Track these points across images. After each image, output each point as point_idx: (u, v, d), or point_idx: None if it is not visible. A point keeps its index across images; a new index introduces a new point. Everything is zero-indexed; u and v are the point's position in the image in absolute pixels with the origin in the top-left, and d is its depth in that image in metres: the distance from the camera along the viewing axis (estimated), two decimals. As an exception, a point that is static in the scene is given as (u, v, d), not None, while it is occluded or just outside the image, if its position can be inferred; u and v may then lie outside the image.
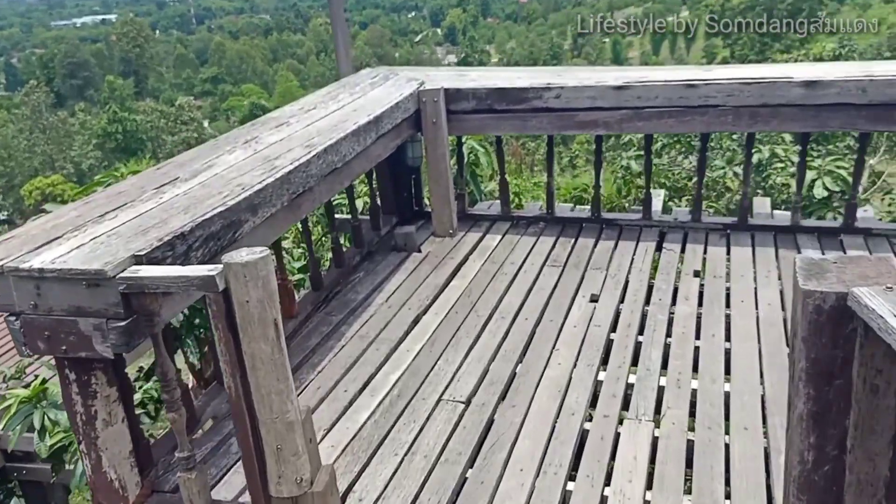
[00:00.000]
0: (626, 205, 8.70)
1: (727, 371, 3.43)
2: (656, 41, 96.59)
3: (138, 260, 2.37)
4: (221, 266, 2.19)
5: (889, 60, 8.17)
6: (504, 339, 3.76)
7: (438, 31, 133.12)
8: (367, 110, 4.23)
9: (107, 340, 2.33)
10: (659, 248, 4.77)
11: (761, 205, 5.07)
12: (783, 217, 4.87)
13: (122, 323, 2.31)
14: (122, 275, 2.28)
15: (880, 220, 5.42)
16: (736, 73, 4.40)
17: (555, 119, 4.61)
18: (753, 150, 4.79)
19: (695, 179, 9.90)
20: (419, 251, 4.85)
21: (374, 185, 5.03)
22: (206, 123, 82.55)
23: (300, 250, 6.69)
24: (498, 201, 5.43)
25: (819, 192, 7.46)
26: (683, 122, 4.39)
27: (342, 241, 4.91)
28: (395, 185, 5.26)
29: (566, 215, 5.16)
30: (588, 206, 5.37)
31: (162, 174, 3.22)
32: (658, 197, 5.31)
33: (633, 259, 4.56)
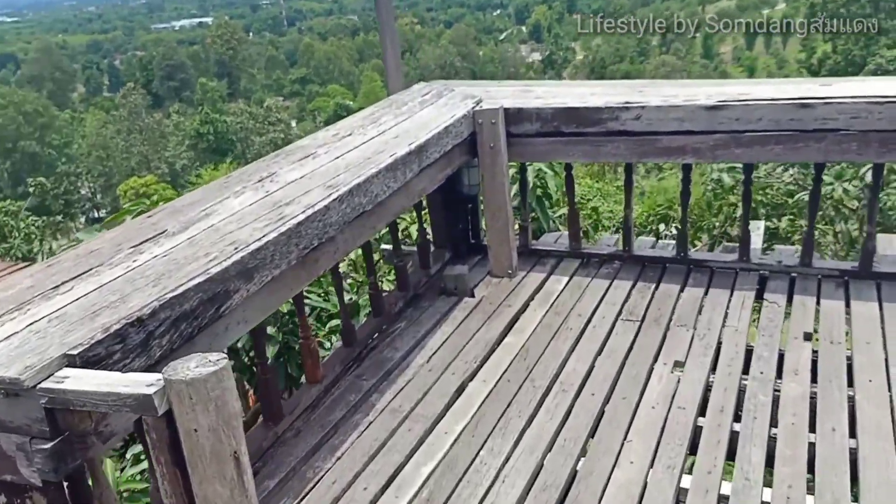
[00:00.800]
0: (717, 224, 7.79)
1: (853, 482, 2.64)
2: (749, 35, 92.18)
3: (71, 361, 1.84)
4: (162, 381, 1.63)
5: None
6: (564, 422, 3.08)
7: (523, 28, 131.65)
8: (411, 137, 3.63)
9: (32, 464, 1.82)
10: (759, 298, 3.96)
11: (888, 244, 4.17)
12: (918, 262, 3.96)
13: (48, 444, 1.79)
14: (43, 385, 1.76)
15: None
16: (862, 88, 3.55)
17: (634, 144, 3.88)
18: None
19: (798, 196, 8.88)
20: (472, 295, 4.21)
21: (422, 218, 4.43)
22: (293, 124, 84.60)
23: (352, 280, 6.16)
24: (567, 233, 4.73)
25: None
26: (794, 150, 3.58)
27: (384, 276, 4.34)
28: (448, 216, 4.64)
29: (646, 253, 4.40)
30: (672, 239, 4.60)
31: (150, 225, 2.71)
32: (758, 232, 4.48)
33: (726, 313, 3.77)
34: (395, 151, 3.41)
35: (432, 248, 4.63)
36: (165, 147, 65.33)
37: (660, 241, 4.71)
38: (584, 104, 3.92)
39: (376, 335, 3.90)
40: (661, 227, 8.42)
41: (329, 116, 71.51)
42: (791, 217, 7.88)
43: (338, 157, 3.39)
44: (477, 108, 4.09)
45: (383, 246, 5.17)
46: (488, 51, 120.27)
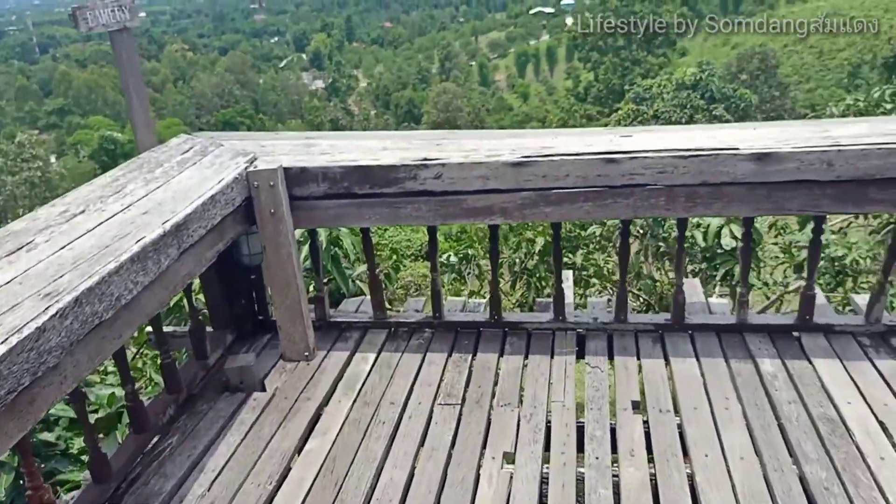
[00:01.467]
0: (518, 260, 7.69)
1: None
2: (521, 63, 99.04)
3: None
4: None
5: (845, 119, 7.61)
6: (385, 561, 2.51)
7: (304, 55, 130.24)
8: (166, 211, 2.88)
9: None
10: (580, 357, 3.70)
11: (692, 290, 4.14)
12: (723, 309, 3.93)
13: None
14: None
15: (839, 311, 4.63)
16: (664, 140, 3.41)
17: (436, 206, 3.44)
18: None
19: (590, 231, 9.13)
20: (262, 389, 3.51)
21: (192, 296, 3.64)
22: (52, 159, 76.05)
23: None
24: (369, 297, 4.18)
25: (727, 241, 6.76)
26: (603, 207, 3.34)
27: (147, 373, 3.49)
28: (227, 290, 3.90)
29: (457, 318, 3.98)
30: (484, 301, 4.25)
31: None
32: (568, 283, 4.25)
33: (550, 384, 3.43)
34: (144, 235, 2.64)
35: (209, 330, 3.86)
36: None
37: (470, 299, 4.33)
38: (377, 162, 3.41)
39: (139, 460, 3.06)
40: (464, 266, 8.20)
41: (94, 150, 65.20)
42: (586, 251, 8.01)
43: (64, 248, 2.55)
44: (251, 168, 3.42)
45: (149, 328, 4.28)
46: (269, 78, 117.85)
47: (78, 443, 3.92)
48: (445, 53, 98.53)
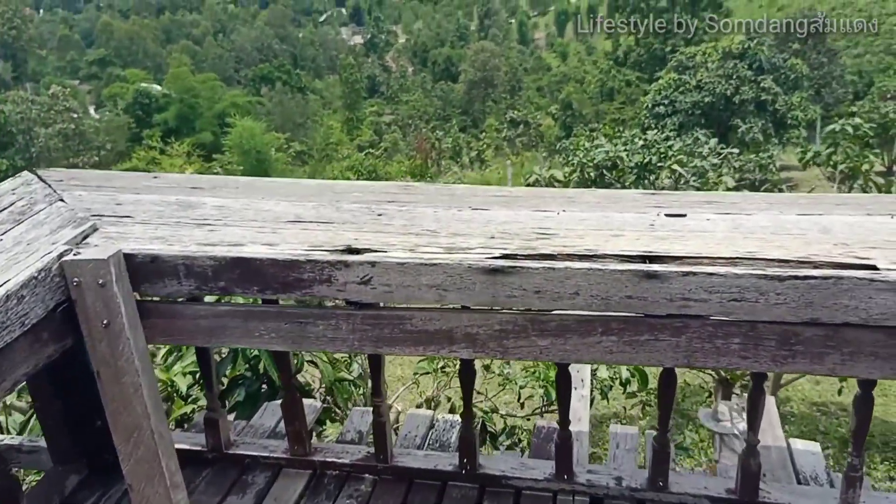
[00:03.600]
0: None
1: None
2: (561, 22, 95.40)
3: None
4: None
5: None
6: None
7: (343, 10, 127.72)
8: None
9: None
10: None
11: (772, 441, 2.78)
12: (820, 477, 2.58)
13: None
14: None
15: None
16: (744, 227, 2.03)
17: (364, 325, 2.12)
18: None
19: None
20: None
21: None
22: (92, 111, 75.98)
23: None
24: (282, 416, 2.90)
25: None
26: (636, 346, 1.97)
27: None
28: (70, 408, 2.67)
29: (413, 463, 2.70)
30: (456, 415, 2.96)
31: None
32: (582, 411, 2.92)
33: None
34: None
35: (52, 466, 2.65)
36: (-72, 143, 55.57)
37: (444, 416, 3.02)
38: (270, 253, 2.10)
39: None
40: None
41: (128, 104, 64.62)
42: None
43: None
44: (73, 255, 2.14)
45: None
46: (308, 33, 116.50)
47: None
48: (485, 10, 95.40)
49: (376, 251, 2.05)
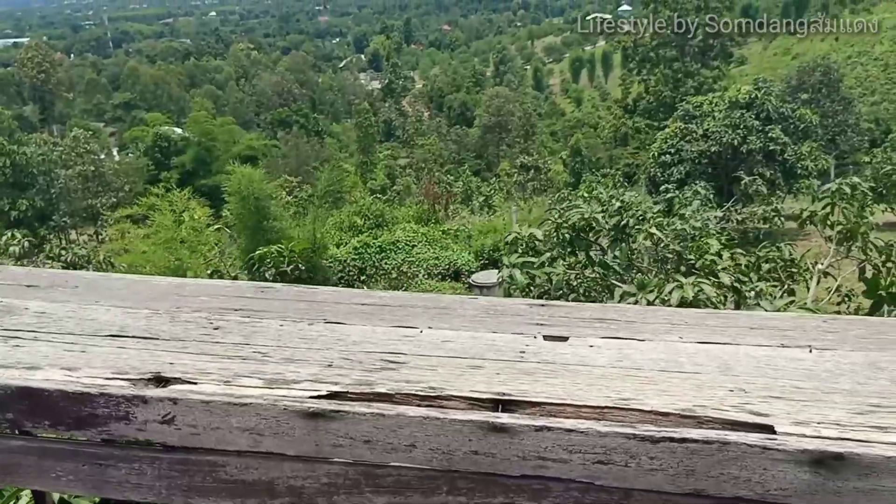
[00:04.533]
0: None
1: None
2: (575, 69, 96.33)
3: None
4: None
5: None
6: None
7: (363, 56, 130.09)
8: None
9: None
10: None
11: None
12: None
13: None
14: None
15: None
16: (627, 359, 1.66)
17: (171, 471, 1.76)
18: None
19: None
20: None
21: None
22: (115, 152, 77.30)
23: None
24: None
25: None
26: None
27: None
28: None
29: None
30: None
31: None
32: None
33: None
34: None
35: None
36: (-50, 183, 56.58)
37: None
38: (60, 383, 1.75)
39: None
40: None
41: (147, 146, 65.55)
42: None
43: None
44: None
45: None
46: (327, 78, 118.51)
47: None
48: (500, 57, 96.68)
49: (185, 382, 1.70)
